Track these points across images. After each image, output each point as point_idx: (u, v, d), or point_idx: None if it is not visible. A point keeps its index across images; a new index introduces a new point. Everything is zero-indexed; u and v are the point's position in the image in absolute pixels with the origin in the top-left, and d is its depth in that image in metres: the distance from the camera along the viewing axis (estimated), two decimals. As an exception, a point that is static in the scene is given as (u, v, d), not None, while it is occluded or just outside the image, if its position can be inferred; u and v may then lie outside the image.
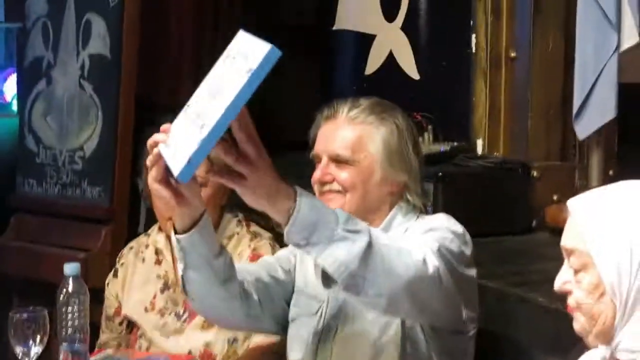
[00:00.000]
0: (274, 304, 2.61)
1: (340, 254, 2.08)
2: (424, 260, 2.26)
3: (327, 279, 2.18)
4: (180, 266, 2.35)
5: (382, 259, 2.14)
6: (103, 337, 3.27)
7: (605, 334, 1.93)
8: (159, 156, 2.09)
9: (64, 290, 2.44)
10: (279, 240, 2.90)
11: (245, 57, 1.93)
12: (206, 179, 2.89)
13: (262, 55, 1.89)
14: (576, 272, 1.95)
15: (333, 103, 2.62)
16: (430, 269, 2.27)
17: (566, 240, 1.96)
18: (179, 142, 2.01)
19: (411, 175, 2.60)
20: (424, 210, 2.65)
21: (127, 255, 3.30)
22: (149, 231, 3.31)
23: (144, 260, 3.23)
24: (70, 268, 2.45)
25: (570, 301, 1.97)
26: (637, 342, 1.89)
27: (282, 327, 2.67)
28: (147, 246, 3.25)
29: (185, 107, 2.06)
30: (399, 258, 2.19)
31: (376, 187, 2.56)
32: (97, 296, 4.05)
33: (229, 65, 1.99)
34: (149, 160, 2.12)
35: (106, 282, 3.33)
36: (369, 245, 2.10)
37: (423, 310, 2.34)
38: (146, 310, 3.16)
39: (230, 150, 1.95)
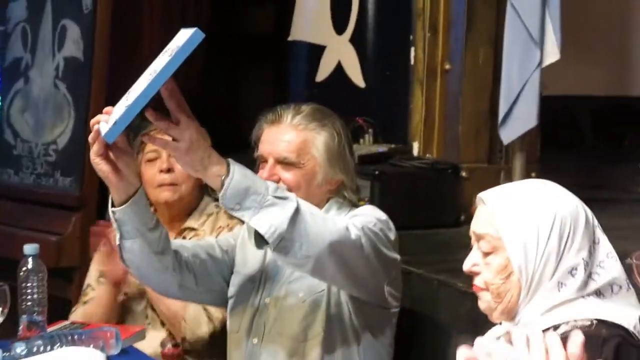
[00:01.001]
0: (210, 279, 2.62)
1: (271, 218, 2.14)
2: (347, 228, 2.32)
3: (259, 241, 2.20)
4: (117, 236, 2.36)
5: (309, 223, 2.19)
6: (91, 294, 3.11)
7: (509, 311, 1.97)
8: (99, 133, 2.15)
9: (24, 268, 2.45)
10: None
11: (176, 44, 2.02)
12: None
13: (187, 35, 1.98)
14: (485, 255, 1.98)
15: (276, 109, 2.62)
16: (353, 235, 2.32)
17: (477, 227, 2.00)
18: (113, 115, 2.09)
19: (348, 174, 2.63)
20: (357, 205, 2.66)
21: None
22: None
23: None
24: (29, 248, 2.46)
25: (478, 281, 2.00)
26: (537, 316, 1.92)
27: (222, 301, 2.67)
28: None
29: (128, 92, 2.12)
30: (324, 224, 2.25)
31: (318, 186, 2.58)
32: (68, 274, 4.04)
33: (165, 53, 2.05)
34: (90, 137, 2.18)
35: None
36: (297, 211, 2.16)
37: (347, 275, 2.38)
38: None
39: (162, 117, 2.06)
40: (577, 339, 1.42)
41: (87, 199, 4.56)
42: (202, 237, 2.99)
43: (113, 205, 2.30)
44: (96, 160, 2.19)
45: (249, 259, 2.65)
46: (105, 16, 4.64)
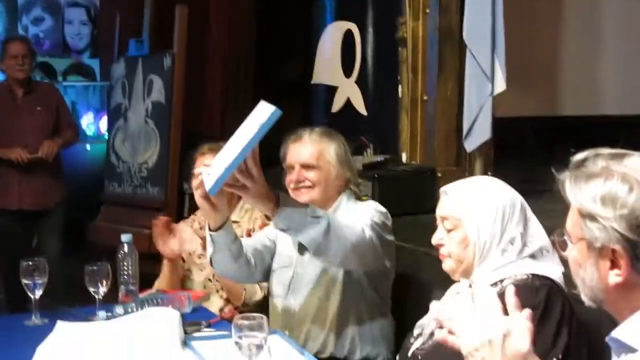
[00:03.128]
0: (263, 262, 2.61)
1: (311, 233, 2.12)
2: (363, 230, 2.30)
3: (302, 249, 2.22)
4: (210, 250, 2.35)
5: (337, 232, 2.17)
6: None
7: (467, 272, 1.98)
8: (203, 181, 2.11)
9: (121, 251, 2.45)
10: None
11: (259, 116, 1.95)
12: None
13: (268, 114, 1.91)
14: (449, 231, 1.99)
15: (297, 131, 2.60)
16: (367, 236, 2.31)
17: (442, 211, 2.02)
18: (214, 171, 2.05)
19: (352, 173, 2.61)
20: (359, 196, 2.64)
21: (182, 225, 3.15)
22: (196, 213, 3.16)
23: (191, 226, 3.12)
24: (125, 237, 2.45)
25: (443, 251, 2.02)
26: (486, 276, 1.93)
27: (267, 276, 2.67)
28: (193, 221, 3.15)
29: (221, 150, 2.08)
30: (347, 230, 2.23)
31: (332, 181, 2.55)
32: (157, 257, 4.00)
33: (249, 123, 2.00)
34: (195, 184, 2.14)
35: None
36: (328, 225, 2.14)
37: (362, 262, 2.37)
38: (190, 254, 3.07)
39: (242, 172, 2.01)
40: (510, 291, 1.42)
41: (169, 202, 4.61)
42: (242, 227, 2.96)
43: (209, 229, 2.29)
44: (200, 201, 2.16)
45: (285, 244, 2.63)
46: (180, 71, 4.68)
